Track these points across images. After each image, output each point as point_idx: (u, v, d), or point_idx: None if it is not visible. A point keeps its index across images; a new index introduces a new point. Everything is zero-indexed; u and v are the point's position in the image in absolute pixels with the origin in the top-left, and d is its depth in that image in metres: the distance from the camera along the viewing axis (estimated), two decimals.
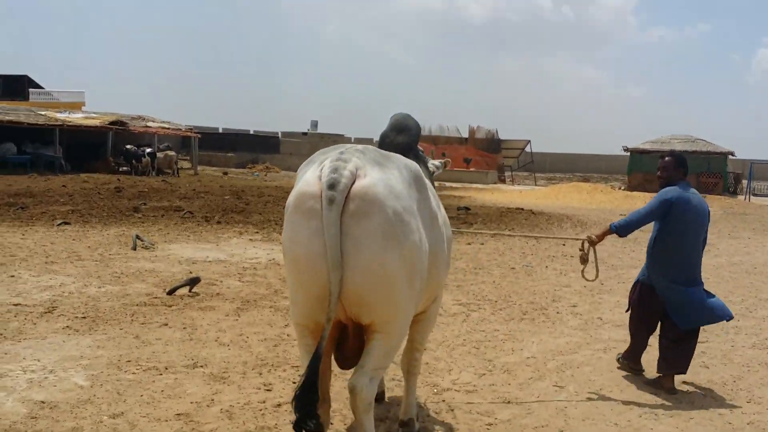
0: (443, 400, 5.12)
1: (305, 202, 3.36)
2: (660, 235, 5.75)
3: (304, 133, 49.75)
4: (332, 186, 3.26)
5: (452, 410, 4.95)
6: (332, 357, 3.78)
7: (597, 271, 6.13)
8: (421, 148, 4.98)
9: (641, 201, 23.95)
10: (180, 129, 40.32)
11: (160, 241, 12.22)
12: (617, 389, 5.57)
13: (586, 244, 6.00)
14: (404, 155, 4.07)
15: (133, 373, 5.47)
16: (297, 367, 5.71)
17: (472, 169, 40.98)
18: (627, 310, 6.21)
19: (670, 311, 5.70)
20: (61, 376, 5.36)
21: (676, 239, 5.65)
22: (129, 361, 5.77)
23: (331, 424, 4.35)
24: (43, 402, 4.80)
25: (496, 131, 45.12)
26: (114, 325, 6.81)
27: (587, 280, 6.18)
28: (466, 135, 45.24)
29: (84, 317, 7.06)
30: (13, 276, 8.76)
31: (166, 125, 39.47)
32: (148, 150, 32.79)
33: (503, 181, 42.52)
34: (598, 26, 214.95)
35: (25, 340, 6.24)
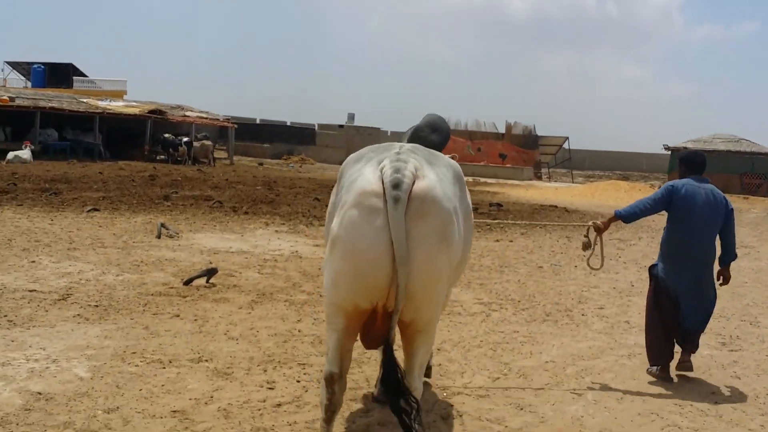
0: (452, 405, 4.87)
1: (367, 200, 3.50)
2: (667, 224, 5.92)
3: (341, 126, 49.60)
4: (397, 186, 3.43)
5: (461, 416, 4.70)
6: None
7: (602, 259, 6.10)
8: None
9: None
10: (218, 119, 40.53)
11: (186, 230, 12.16)
12: (639, 399, 5.23)
13: (592, 232, 6.01)
14: None
15: (136, 366, 5.33)
16: (303, 364, 5.53)
17: (507, 165, 40.44)
18: None
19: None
20: (63, 366, 5.25)
21: (681, 228, 5.77)
22: (134, 352, 5.64)
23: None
24: (39, 393, 4.69)
25: (534, 127, 44.47)
26: (125, 315, 6.71)
27: (592, 268, 6.22)
28: (502, 131, 44.69)
29: (97, 306, 6.97)
30: (33, 261, 8.74)
31: (204, 115, 39.71)
32: (185, 139, 32.98)
33: (539, 178, 41.88)
34: (643, 23, 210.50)
35: (34, 327, 6.16)
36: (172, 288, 7.88)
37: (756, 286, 10.23)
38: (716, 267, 5.93)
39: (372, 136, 44.24)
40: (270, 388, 4.97)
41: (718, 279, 5.92)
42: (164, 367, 5.33)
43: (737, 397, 5.42)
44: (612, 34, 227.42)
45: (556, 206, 21.73)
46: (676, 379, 5.75)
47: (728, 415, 5.04)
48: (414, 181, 3.50)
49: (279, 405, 4.67)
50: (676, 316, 5.77)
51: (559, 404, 5.02)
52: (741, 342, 6.95)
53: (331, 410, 3.76)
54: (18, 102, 29.76)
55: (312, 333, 6.42)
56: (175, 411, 4.51)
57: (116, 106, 35.09)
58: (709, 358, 6.39)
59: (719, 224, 5.80)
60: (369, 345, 3.98)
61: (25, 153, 25.61)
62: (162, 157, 33.30)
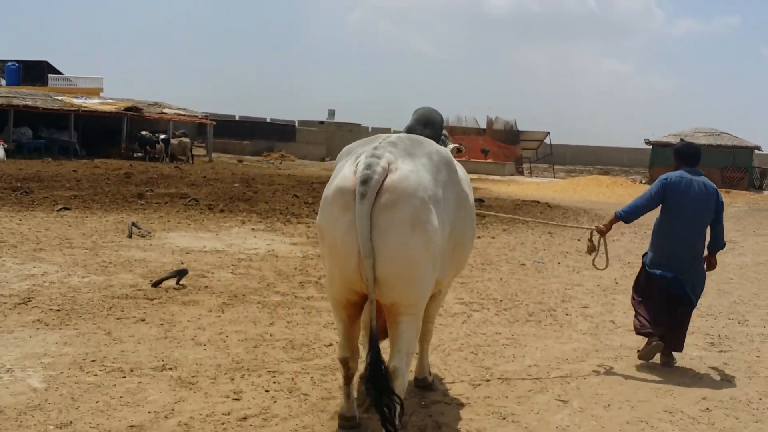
0: (430, 416, 4.57)
1: (342, 196, 3.69)
2: (660, 215, 6.02)
3: (321, 122, 49.19)
4: (365, 182, 3.59)
5: (439, 427, 4.39)
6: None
7: (607, 260, 6.21)
8: (445, 132, 5.42)
9: None
10: (196, 116, 39.95)
11: (159, 229, 11.80)
12: (627, 406, 4.95)
13: (596, 235, 6.18)
14: None
15: (95, 375, 5.00)
16: (274, 372, 5.22)
17: (489, 161, 40.21)
18: None
19: (665, 285, 5.88)
20: (18, 376, 4.91)
21: (674, 219, 5.87)
22: (94, 360, 5.31)
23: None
24: None
25: (515, 122, 44.28)
26: (88, 320, 6.36)
27: (598, 269, 6.37)
28: (484, 126, 44.47)
29: (58, 310, 6.61)
30: None
31: (182, 112, 39.12)
32: (162, 136, 32.50)
33: (521, 173, 41.72)
34: (623, 17, 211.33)
35: None
36: (139, 290, 7.53)
37: (741, 282, 10.05)
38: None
39: (353, 132, 43.91)
40: (236, 399, 4.65)
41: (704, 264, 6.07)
42: (125, 377, 5.00)
43: (729, 402, 5.14)
44: (592, 28, 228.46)
45: (538, 202, 21.54)
46: (664, 379, 5.50)
47: (720, 422, 4.77)
48: (386, 176, 3.64)
49: (244, 418, 4.34)
50: (662, 305, 5.90)
51: (544, 413, 4.73)
52: (730, 342, 6.73)
53: (349, 378, 4.13)
54: None
55: (284, 337, 6.10)
56: (131, 426, 4.18)
57: (92, 103, 34.46)
58: (698, 360, 6.16)
59: (711, 215, 5.93)
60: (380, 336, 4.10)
61: None
62: (139, 154, 32.81)
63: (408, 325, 3.80)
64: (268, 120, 52.39)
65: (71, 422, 4.20)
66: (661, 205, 5.97)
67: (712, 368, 5.94)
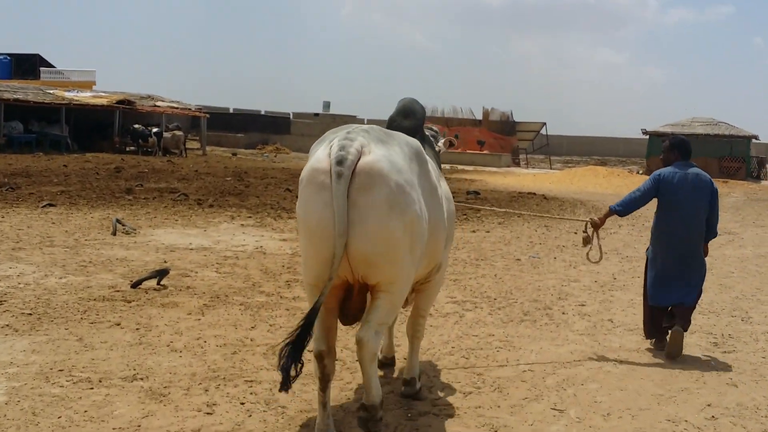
0: (417, 429, 4.26)
1: (317, 177, 3.71)
2: (657, 210, 6.09)
3: (316, 114, 48.72)
4: (340, 162, 3.61)
5: None
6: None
7: (600, 253, 6.38)
8: (436, 128, 5.55)
9: None
10: (189, 109, 39.56)
11: (145, 226, 11.48)
12: (628, 415, 4.63)
13: (590, 228, 6.23)
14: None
15: (61, 387, 4.69)
16: (251, 381, 4.90)
17: (485, 152, 39.84)
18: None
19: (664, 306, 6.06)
20: None
21: (669, 213, 5.94)
22: (62, 370, 4.99)
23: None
24: None
25: (511, 113, 43.82)
26: (60, 324, 6.05)
27: (591, 262, 6.52)
28: (480, 117, 44.07)
29: (30, 314, 6.30)
30: None
31: (175, 105, 38.73)
32: (155, 130, 32.12)
33: (517, 164, 41.34)
34: (617, 7, 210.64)
35: None
36: (118, 291, 7.22)
37: (743, 276, 9.75)
38: None
39: (348, 123, 43.43)
40: (208, 413, 4.33)
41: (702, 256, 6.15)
42: (92, 388, 4.69)
43: (735, 409, 4.82)
44: (587, 18, 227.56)
45: (534, 194, 21.22)
46: (666, 383, 5.20)
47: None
48: (359, 158, 3.67)
49: None
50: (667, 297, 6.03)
51: (539, 424, 4.41)
52: (734, 342, 6.42)
53: (324, 381, 3.94)
54: None
55: (265, 342, 5.79)
56: None
57: (83, 96, 34.06)
58: (700, 362, 5.86)
59: (706, 206, 5.99)
60: (345, 321, 4.12)
61: None
62: (132, 148, 32.45)
63: (383, 300, 3.84)
64: (263, 112, 51.93)
65: None
66: (657, 201, 6.05)
67: (717, 371, 5.63)
